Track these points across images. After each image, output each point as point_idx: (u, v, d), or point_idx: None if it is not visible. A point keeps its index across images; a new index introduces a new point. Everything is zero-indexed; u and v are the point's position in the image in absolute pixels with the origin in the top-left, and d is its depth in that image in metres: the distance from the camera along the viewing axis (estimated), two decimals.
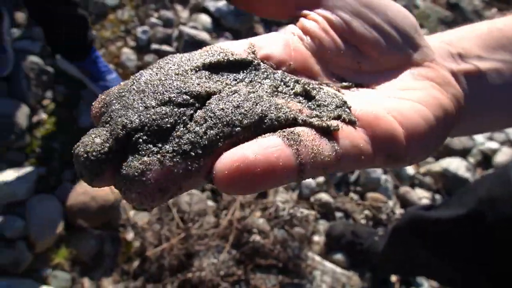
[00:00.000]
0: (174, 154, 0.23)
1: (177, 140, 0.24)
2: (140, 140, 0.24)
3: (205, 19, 2.44)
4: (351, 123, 0.30)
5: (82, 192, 1.68)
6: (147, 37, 2.27)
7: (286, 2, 0.36)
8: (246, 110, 0.26)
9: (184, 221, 1.73)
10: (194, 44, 2.20)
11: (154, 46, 2.25)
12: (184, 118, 0.25)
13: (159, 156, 0.23)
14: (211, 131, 0.24)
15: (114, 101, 0.26)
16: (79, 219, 1.61)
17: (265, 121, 0.26)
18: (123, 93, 0.27)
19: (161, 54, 2.21)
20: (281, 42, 0.34)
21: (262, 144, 0.25)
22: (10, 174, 1.72)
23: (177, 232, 1.66)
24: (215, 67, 0.29)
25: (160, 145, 0.24)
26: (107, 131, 0.25)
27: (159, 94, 0.26)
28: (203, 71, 0.28)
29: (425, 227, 1.38)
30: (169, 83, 0.26)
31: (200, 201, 1.80)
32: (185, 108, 0.25)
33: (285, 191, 2.05)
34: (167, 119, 0.24)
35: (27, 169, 1.76)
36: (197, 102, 0.26)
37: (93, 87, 1.97)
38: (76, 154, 0.24)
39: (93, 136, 0.24)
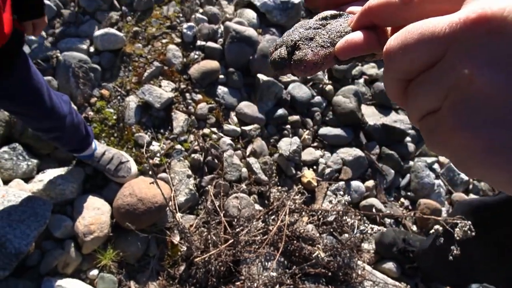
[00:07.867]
0: (317, 46, 0.42)
1: (316, 42, 0.42)
2: (300, 43, 0.42)
3: (250, 14, 2.36)
4: None
5: (129, 193, 1.65)
6: (193, 33, 2.22)
7: None
8: (345, 26, 0.44)
9: (231, 226, 1.67)
10: (240, 40, 2.13)
11: (200, 42, 2.19)
12: (318, 32, 0.43)
13: (310, 49, 0.42)
14: (332, 35, 0.42)
15: (279, 40, 0.45)
16: (126, 221, 1.59)
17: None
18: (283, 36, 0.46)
19: (206, 52, 2.16)
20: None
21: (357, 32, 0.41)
22: (59, 173, 1.71)
23: (224, 237, 1.60)
24: (324, 19, 0.47)
25: (309, 44, 0.42)
26: (283, 45, 0.44)
27: (304, 26, 0.45)
28: (319, 21, 0.47)
29: (482, 215, 1.39)
30: (307, 23, 0.45)
31: (248, 205, 1.74)
32: (317, 30, 0.44)
33: (334, 196, 1.96)
34: (311, 33, 0.43)
35: (75, 168, 1.76)
36: (322, 27, 0.44)
37: None
38: (272, 60, 0.43)
39: (277, 50, 0.44)
